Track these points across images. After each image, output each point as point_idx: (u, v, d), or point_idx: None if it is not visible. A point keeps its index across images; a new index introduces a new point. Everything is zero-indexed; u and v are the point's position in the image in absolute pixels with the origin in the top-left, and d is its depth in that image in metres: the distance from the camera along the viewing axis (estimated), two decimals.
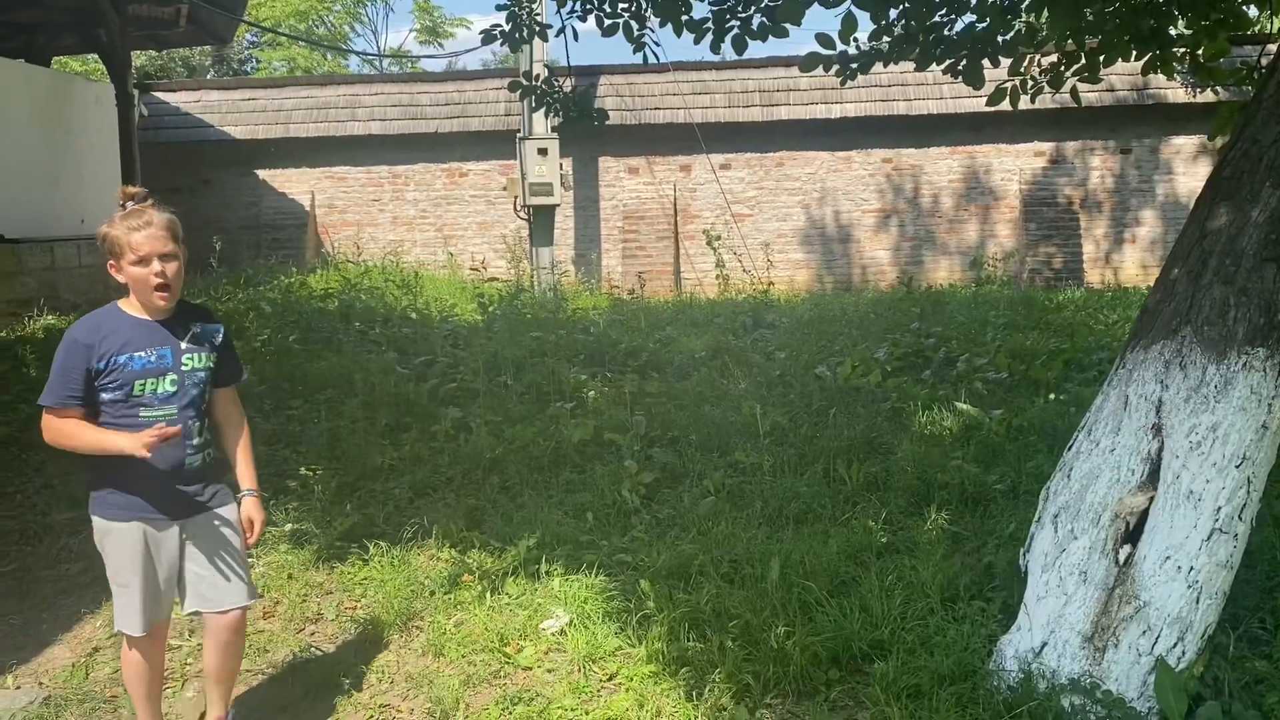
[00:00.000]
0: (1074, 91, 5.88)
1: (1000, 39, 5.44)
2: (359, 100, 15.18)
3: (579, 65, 14.68)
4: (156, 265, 3.00)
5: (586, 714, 3.43)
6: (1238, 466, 3.07)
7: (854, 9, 4.99)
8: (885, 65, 5.80)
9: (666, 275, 14.40)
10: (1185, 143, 14.14)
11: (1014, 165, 14.44)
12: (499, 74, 15.85)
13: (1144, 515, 3.19)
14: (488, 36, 6.15)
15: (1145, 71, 5.75)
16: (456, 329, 9.20)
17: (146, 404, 3.07)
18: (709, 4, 5.62)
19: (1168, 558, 3.10)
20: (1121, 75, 13.15)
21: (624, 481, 5.40)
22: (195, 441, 3.16)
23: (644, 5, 5.81)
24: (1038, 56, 5.88)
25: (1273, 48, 8.21)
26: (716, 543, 4.62)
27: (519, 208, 13.52)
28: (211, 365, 3.21)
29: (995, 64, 5.52)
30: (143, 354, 3.05)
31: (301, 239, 14.91)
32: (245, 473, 3.39)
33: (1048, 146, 14.37)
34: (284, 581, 4.71)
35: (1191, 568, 3.08)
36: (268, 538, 5.09)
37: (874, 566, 4.25)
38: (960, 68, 5.41)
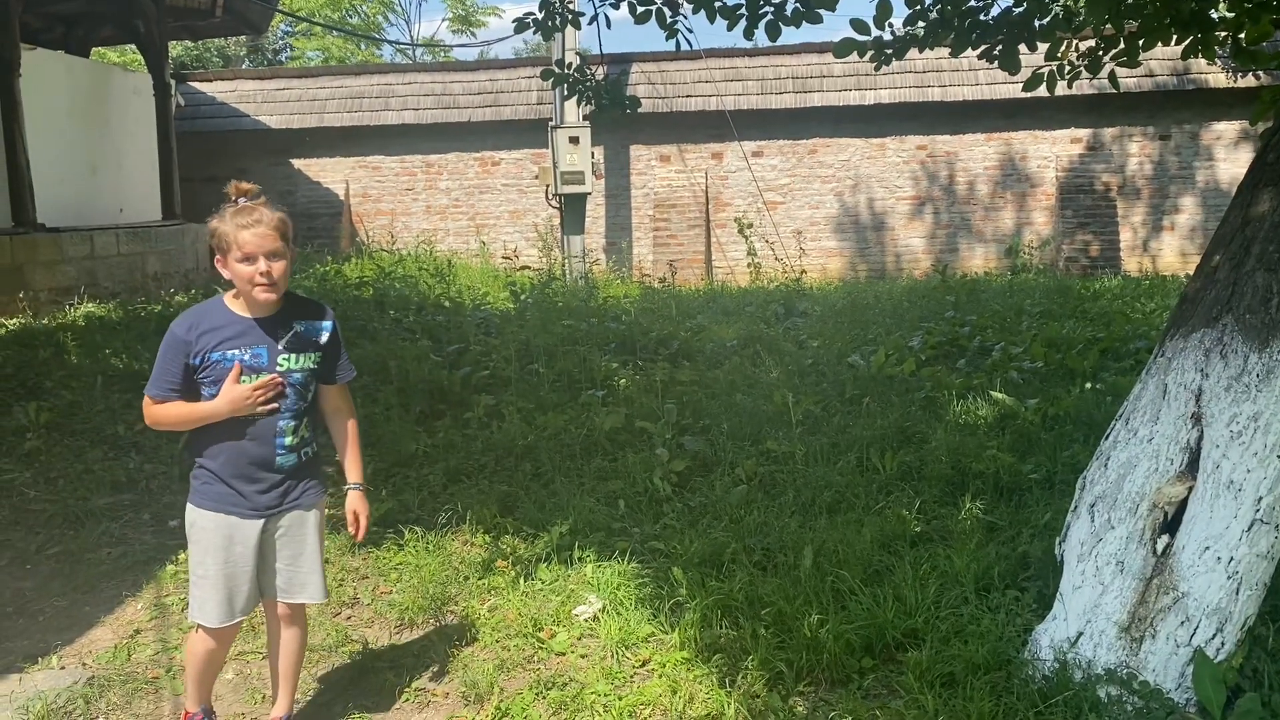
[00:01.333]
0: (1112, 76, 5.79)
1: (1037, 23, 5.37)
2: (392, 90, 15.26)
3: (611, 53, 14.64)
4: (262, 264, 2.93)
5: (620, 699, 3.45)
6: (1279, 456, 3.02)
7: None
8: (920, 51, 5.74)
9: (698, 263, 14.38)
10: (1227, 128, 13.90)
11: (1050, 152, 14.27)
12: (531, 63, 15.88)
13: (1182, 505, 3.15)
14: (520, 25, 6.15)
15: (1185, 55, 5.65)
16: (489, 317, 9.25)
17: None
18: None
19: (1207, 548, 3.06)
20: (1161, 60, 12.95)
21: (655, 469, 5.40)
22: (288, 441, 3.11)
23: None
24: (1075, 41, 5.79)
25: None
26: (749, 531, 4.62)
27: (551, 196, 13.54)
28: (313, 366, 3.14)
29: (1032, 49, 5.45)
30: (237, 352, 3.00)
31: (336, 228, 15.03)
32: (352, 466, 3.39)
33: (1085, 133, 14.18)
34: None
35: (1231, 558, 3.04)
36: None
37: (908, 555, 4.23)
38: (996, 53, 5.35)
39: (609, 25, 6.34)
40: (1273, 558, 3.09)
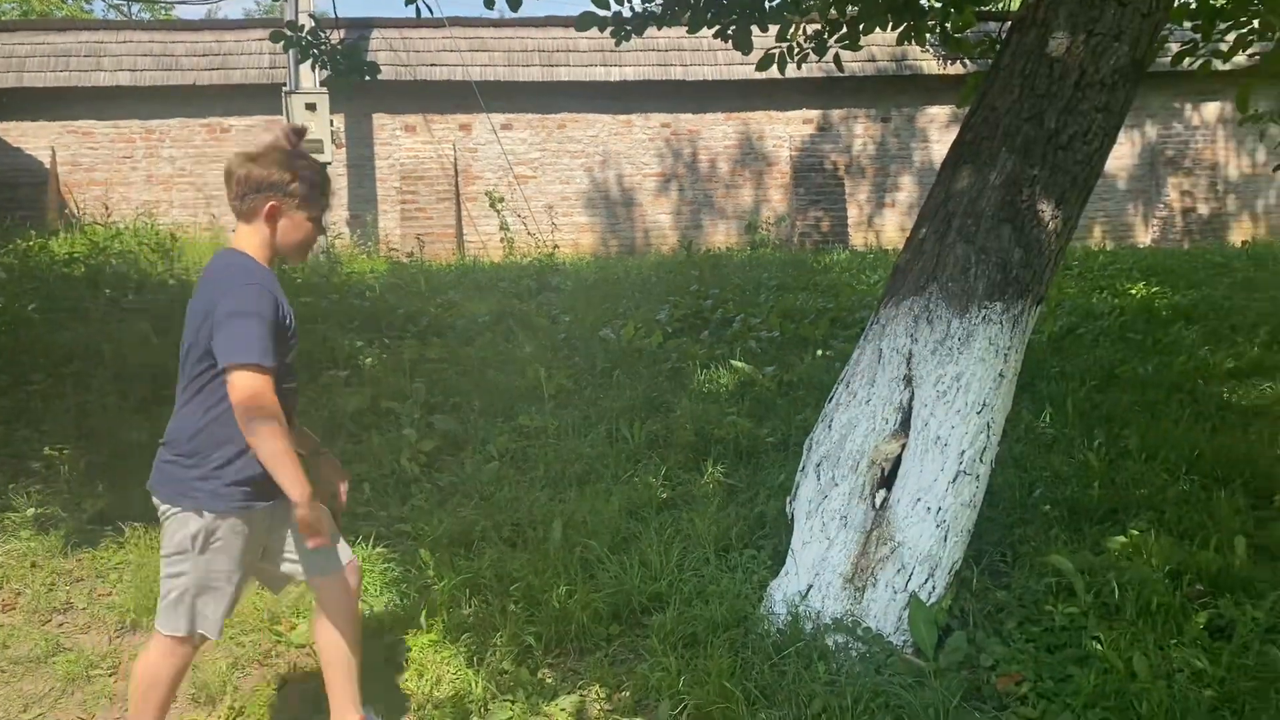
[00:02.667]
0: (837, 59, 6.13)
1: (767, 4, 5.59)
2: (104, 49, 13.91)
3: (349, 17, 14.01)
4: (320, 226, 2.78)
5: (363, 688, 3.33)
6: (978, 413, 3.31)
7: None
8: (659, 28, 5.85)
9: (448, 238, 14.10)
10: (939, 112, 15.09)
11: (784, 132, 14.98)
12: (262, 24, 14.94)
13: (898, 461, 3.39)
14: None
15: (900, 41, 6.07)
16: None
17: (292, 370, 2.79)
18: None
19: (919, 500, 3.32)
20: (882, 46, 13.85)
21: (403, 450, 5.26)
22: None
23: None
24: (803, 24, 6.09)
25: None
26: (499, 508, 4.59)
27: None
28: None
29: (764, 29, 5.67)
30: (289, 311, 2.76)
31: (41, 199, 13.58)
32: (307, 434, 3.07)
33: (815, 114, 14.99)
34: (26, 570, 4.31)
35: (940, 508, 3.31)
36: (6, 524, 4.66)
37: (654, 521, 4.34)
38: (730, 32, 5.53)
39: None
40: (975, 506, 3.39)
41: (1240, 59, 6.24)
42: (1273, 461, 4.95)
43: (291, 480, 2.59)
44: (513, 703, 3.18)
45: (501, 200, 13.54)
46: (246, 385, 2.52)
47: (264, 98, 13.62)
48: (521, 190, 14.37)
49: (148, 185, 13.99)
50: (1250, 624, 3.34)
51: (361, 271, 10.67)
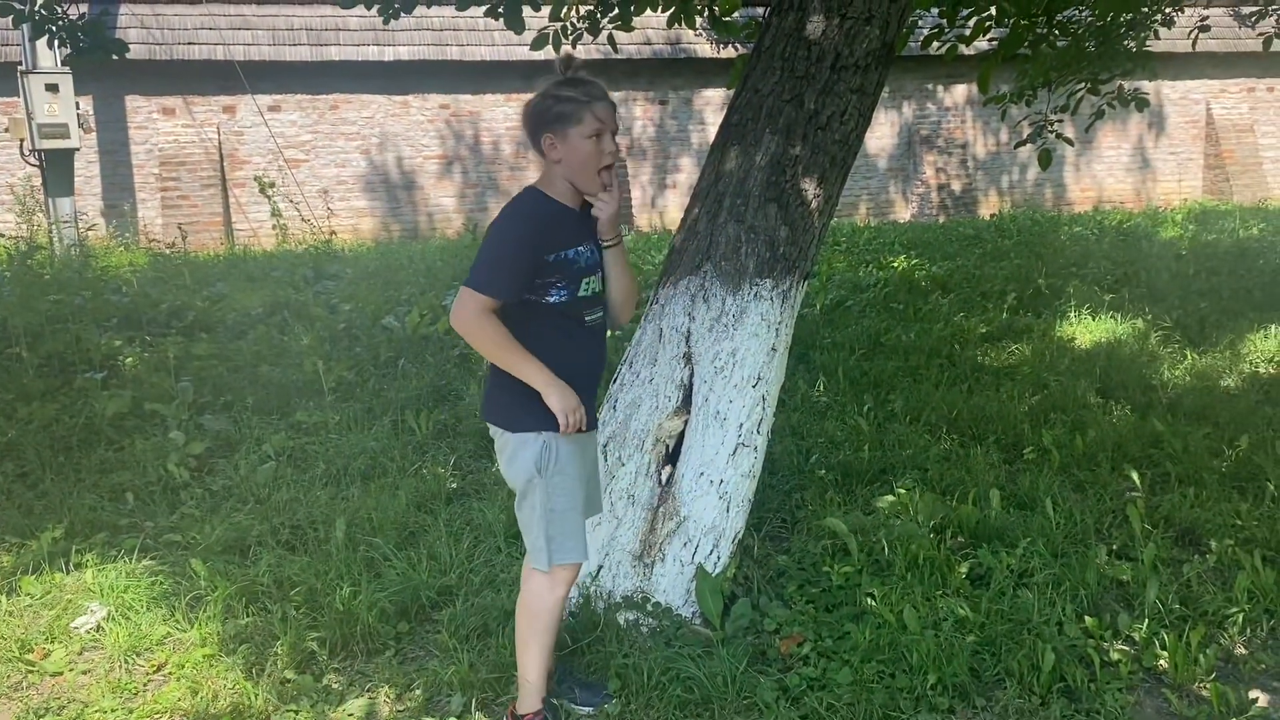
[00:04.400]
0: (611, 40, 6.16)
1: None
2: None
3: None
4: (609, 143, 2.65)
5: (130, 713, 3.09)
6: (754, 386, 3.41)
7: None
8: (429, 6, 5.70)
9: (215, 226, 13.29)
10: (714, 94, 15.50)
11: None
12: None
13: (681, 437, 3.45)
14: None
15: (671, 23, 6.17)
16: None
17: (589, 306, 2.73)
18: None
19: (701, 473, 3.39)
20: (657, 30, 14.07)
21: (170, 455, 4.92)
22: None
23: None
24: (576, 4, 6.08)
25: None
26: (276, 510, 4.37)
27: (27, 152, 11.72)
28: None
29: (536, 8, 5.62)
30: (583, 248, 2.70)
31: None
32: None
33: None
34: None
35: (722, 480, 3.40)
36: None
37: (443, 514, 4.26)
38: (501, 11, 5.45)
39: None
40: (754, 476, 3.50)
41: (982, 43, 6.73)
42: (1021, 418, 5.39)
43: (527, 370, 2.62)
44: (296, 712, 3.03)
45: (272, 185, 12.84)
46: (462, 302, 2.60)
47: None
48: (294, 175, 13.72)
49: None
50: (1005, 572, 3.63)
51: (119, 265, 9.90)
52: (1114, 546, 3.92)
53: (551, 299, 2.65)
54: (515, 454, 2.71)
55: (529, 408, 2.65)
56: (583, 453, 2.81)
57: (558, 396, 2.61)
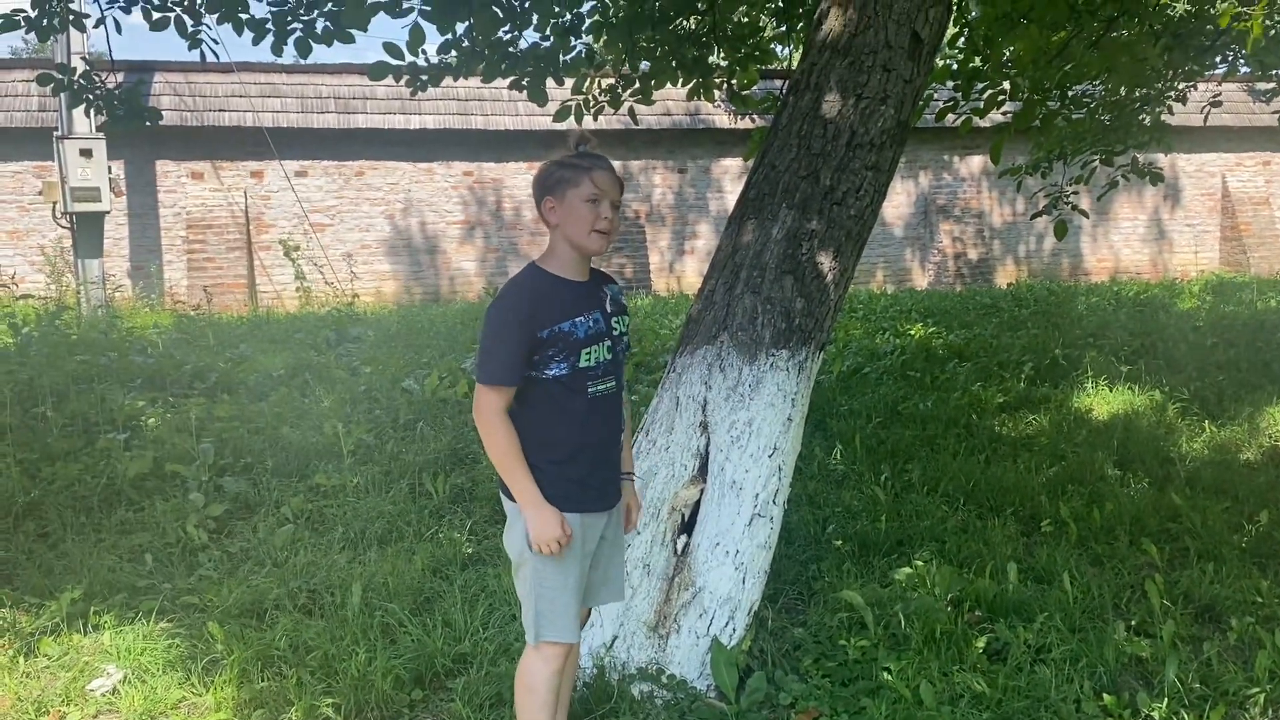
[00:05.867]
0: (631, 112, 6.31)
1: (562, 58, 5.71)
2: None
3: (131, 60, 13.29)
4: (606, 209, 2.70)
5: None
6: (770, 456, 3.43)
7: (421, 21, 4.99)
8: (455, 79, 5.86)
9: (240, 289, 13.50)
10: (732, 163, 15.74)
11: None
12: (30, 64, 13.98)
13: (696, 506, 3.47)
14: (9, 23, 5.34)
15: (690, 96, 6.31)
16: None
17: (592, 377, 2.68)
18: (268, 3, 5.36)
19: (717, 543, 3.40)
20: (677, 101, 14.36)
21: (189, 516, 4.96)
22: (625, 414, 2.86)
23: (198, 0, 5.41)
24: (598, 78, 6.24)
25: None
26: (294, 573, 4.38)
27: (59, 215, 11.99)
28: (628, 330, 2.86)
29: (559, 83, 5.77)
30: (582, 319, 2.67)
31: None
32: (627, 454, 2.96)
33: (615, 164, 15.32)
34: None
35: (738, 551, 3.40)
36: None
37: (458, 579, 4.26)
38: (525, 84, 5.60)
39: (119, 30, 5.75)
40: (770, 546, 3.50)
41: (997, 115, 6.84)
42: (1039, 489, 5.37)
43: (521, 478, 2.63)
44: None
45: (297, 249, 13.09)
46: (477, 398, 2.64)
47: (33, 142, 12.76)
48: (319, 238, 13.96)
49: None
50: (1022, 646, 3.59)
51: (144, 326, 10.04)
52: (1132, 622, 3.88)
53: (551, 373, 2.64)
54: (512, 524, 2.74)
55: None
56: (585, 534, 2.74)
57: (536, 522, 2.61)
